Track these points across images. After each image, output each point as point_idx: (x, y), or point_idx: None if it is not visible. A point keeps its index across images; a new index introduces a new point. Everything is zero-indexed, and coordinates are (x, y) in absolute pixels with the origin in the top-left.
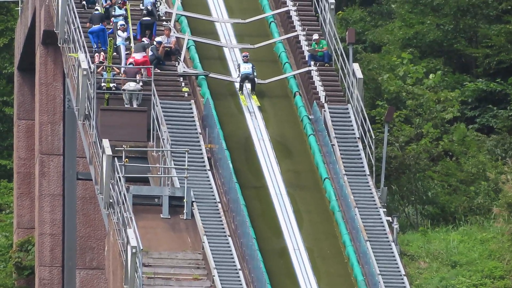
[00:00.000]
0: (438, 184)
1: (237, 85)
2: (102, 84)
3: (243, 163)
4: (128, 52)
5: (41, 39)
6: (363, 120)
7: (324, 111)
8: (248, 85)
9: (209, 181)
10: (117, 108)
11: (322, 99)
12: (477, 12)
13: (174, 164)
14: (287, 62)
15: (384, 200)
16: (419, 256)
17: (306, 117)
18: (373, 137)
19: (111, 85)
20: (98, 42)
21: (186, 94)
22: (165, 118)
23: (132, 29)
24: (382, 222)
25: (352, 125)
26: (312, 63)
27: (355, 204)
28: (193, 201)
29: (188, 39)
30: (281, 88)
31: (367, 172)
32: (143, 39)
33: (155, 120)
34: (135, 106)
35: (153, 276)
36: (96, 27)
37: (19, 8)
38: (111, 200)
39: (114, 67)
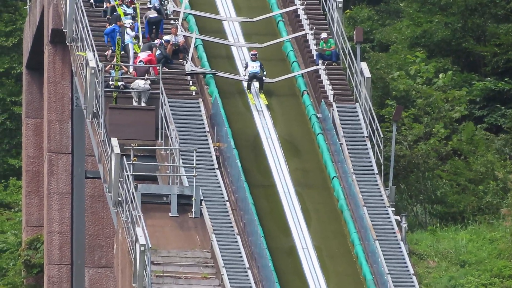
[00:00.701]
0: (446, 183)
1: (245, 83)
2: (110, 82)
3: (252, 161)
4: (135, 51)
5: (49, 38)
6: (371, 119)
7: (332, 109)
8: (256, 84)
9: (217, 179)
10: (126, 107)
11: (330, 98)
12: (485, 11)
13: (183, 163)
14: (295, 61)
15: (393, 199)
16: (427, 255)
17: (314, 116)
18: (382, 136)
19: (119, 83)
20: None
21: (194, 93)
22: (173, 116)
23: (141, 27)
24: (390, 221)
25: (360, 124)
26: (320, 62)
27: (363, 203)
28: (202, 200)
29: (196, 38)
30: (289, 87)
31: (376, 171)
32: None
33: (163, 119)
34: (143, 104)
35: (161, 274)
36: (109, 28)
37: (27, 6)
38: (119, 199)
39: (123, 66)
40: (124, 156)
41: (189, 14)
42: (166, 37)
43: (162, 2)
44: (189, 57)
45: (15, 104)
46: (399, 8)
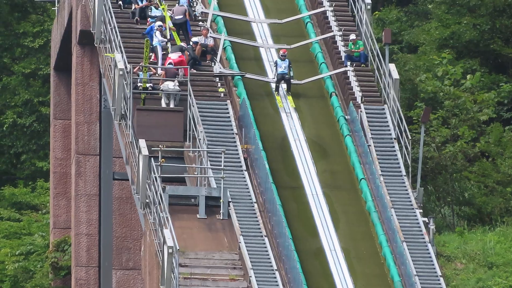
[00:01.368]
0: (474, 185)
1: (273, 85)
2: (139, 84)
3: (279, 163)
4: (164, 52)
5: (78, 39)
6: (399, 120)
7: (361, 111)
8: (284, 85)
9: (245, 181)
10: (154, 108)
11: (359, 100)
12: None
13: (211, 164)
14: (323, 62)
15: (421, 201)
16: (455, 257)
17: (343, 118)
18: (410, 137)
19: (148, 85)
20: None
21: (222, 95)
22: (201, 118)
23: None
24: (418, 223)
25: (388, 126)
26: (349, 63)
27: (391, 205)
28: (230, 201)
29: (224, 40)
30: (318, 89)
31: (403, 173)
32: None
33: (192, 120)
34: (172, 106)
35: (189, 276)
36: (148, 27)
37: (56, 8)
38: (147, 200)
39: (151, 67)
40: (152, 158)
41: (218, 15)
42: (194, 39)
43: (191, 4)
44: (218, 59)
45: (43, 105)
46: (428, 10)
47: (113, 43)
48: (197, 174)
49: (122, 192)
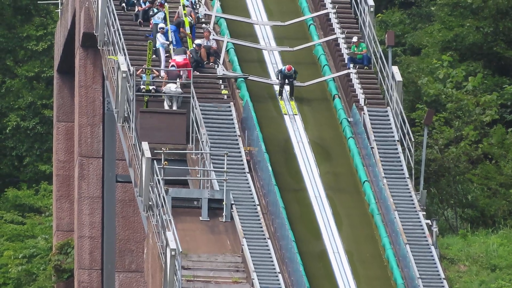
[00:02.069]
0: (477, 187)
1: (276, 87)
2: (142, 86)
3: (282, 165)
4: (167, 54)
5: (81, 42)
6: (402, 122)
7: (363, 113)
8: (287, 88)
9: (248, 183)
10: (157, 111)
11: (362, 102)
12: None
13: (213, 167)
14: (326, 64)
15: (424, 203)
16: (458, 259)
17: (346, 120)
18: (413, 139)
19: (151, 87)
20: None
21: (225, 97)
22: (204, 120)
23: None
24: (421, 225)
25: (391, 128)
26: (352, 65)
27: (394, 207)
28: (232, 204)
29: (227, 42)
30: (320, 91)
31: (407, 175)
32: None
33: (194, 123)
34: (175, 108)
35: (192, 279)
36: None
37: (59, 10)
38: (150, 203)
39: (154, 70)
40: (154, 160)
41: (221, 18)
42: (197, 41)
43: (194, 6)
44: (221, 61)
45: (46, 107)
46: (431, 12)
47: (116, 45)
48: (200, 177)
49: (125, 195)
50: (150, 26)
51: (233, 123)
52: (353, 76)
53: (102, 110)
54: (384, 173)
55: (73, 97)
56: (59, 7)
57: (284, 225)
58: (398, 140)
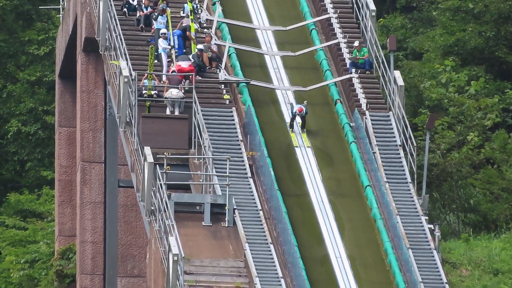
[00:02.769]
0: (479, 192)
1: (287, 120)
2: (144, 91)
3: (285, 170)
4: (169, 59)
5: (82, 47)
6: (404, 127)
7: (365, 118)
8: (298, 120)
9: (250, 188)
10: (159, 116)
11: (363, 107)
12: None
13: (216, 172)
14: (328, 69)
15: (426, 208)
16: (461, 263)
17: (347, 125)
18: (415, 144)
19: (152, 92)
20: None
21: (227, 102)
22: (207, 125)
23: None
24: (424, 230)
25: (393, 133)
26: (353, 70)
27: (396, 212)
28: (235, 209)
29: (229, 47)
30: (322, 96)
31: (409, 180)
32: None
33: (197, 128)
34: (177, 113)
35: (194, 284)
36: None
37: (61, 15)
38: (152, 208)
39: (155, 77)
40: (157, 165)
41: (223, 22)
42: (199, 46)
43: (196, 11)
44: (223, 66)
45: (47, 113)
46: (432, 17)
47: (118, 50)
48: (202, 182)
49: (127, 200)
50: (152, 31)
51: (235, 128)
52: (355, 81)
53: (104, 115)
54: (386, 178)
55: (75, 102)
56: (61, 12)
57: (286, 230)
58: (400, 145)
